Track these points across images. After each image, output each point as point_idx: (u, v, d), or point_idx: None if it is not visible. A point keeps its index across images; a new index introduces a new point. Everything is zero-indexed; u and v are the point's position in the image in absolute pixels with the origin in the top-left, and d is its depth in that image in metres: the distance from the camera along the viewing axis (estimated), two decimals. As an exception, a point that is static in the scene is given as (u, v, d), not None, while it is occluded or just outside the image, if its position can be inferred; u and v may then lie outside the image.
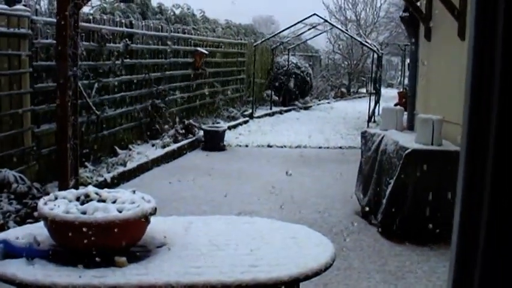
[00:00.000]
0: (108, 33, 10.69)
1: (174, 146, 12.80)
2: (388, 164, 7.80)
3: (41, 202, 3.58)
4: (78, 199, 3.66)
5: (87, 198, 3.64)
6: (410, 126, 9.33)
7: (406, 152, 7.27)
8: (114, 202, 3.63)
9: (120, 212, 3.44)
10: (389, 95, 29.74)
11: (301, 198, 9.58)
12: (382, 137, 8.30)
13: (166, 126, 13.56)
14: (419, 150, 7.32)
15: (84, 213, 3.39)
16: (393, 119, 8.78)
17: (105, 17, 11.13)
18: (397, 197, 7.44)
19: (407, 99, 9.96)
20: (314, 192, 10.08)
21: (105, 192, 3.73)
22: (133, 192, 3.81)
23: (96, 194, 3.69)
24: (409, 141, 7.64)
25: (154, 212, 3.59)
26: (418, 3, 8.95)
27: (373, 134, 8.67)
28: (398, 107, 10.54)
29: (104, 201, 3.63)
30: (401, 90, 21.64)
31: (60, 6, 7.01)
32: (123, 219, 3.37)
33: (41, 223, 3.66)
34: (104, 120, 10.60)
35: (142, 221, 3.50)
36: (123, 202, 3.60)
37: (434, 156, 7.36)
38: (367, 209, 8.40)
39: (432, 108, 8.46)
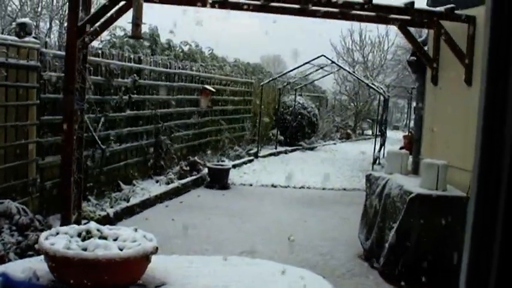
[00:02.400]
0: (117, 68, 10.75)
1: (178, 183, 12.77)
2: (392, 208, 7.76)
3: (42, 236, 3.56)
4: (79, 235, 3.64)
5: (88, 235, 3.62)
6: (415, 170, 9.31)
7: (411, 196, 7.25)
8: (115, 239, 3.61)
9: (121, 250, 3.42)
10: (395, 138, 29.76)
11: (304, 240, 9.52)
12: (387, 181, 8.28)
13: (171, 163, 13.57)
14: (423, 195, 7.29)
15: (85, 249, 3.37)
16: (398, 162, 8.76)
17: (114, 52, 11.21)
18: (400, 242, 7.39)
19: (413, 143, 9.94)
20: (317, 234, 10.02)
21: (106, 229, 3.71)
22: (135, 230, 3.79)
23: (98, 230, 3.67)
24: (414, 185, 7.61)
25: (155, 251, 3.57)
26: (426, 48, 8.99)
27: (378, 178, 8.64)
28: (403, 150, 10.53)
29: (105, 238, 3.61)
30: (407, 133, 21.63)
31: (69, 40, 7.08)
32: (124, 258, 3.35)
33: (42, 257, 3.64)
34: (109, 155, 10.59)
35: (143, 260, 3.47)
36: (125, 240, 3.58)
37: (439, 201, 7.33)
38: (369, 252, 8.35)
39: (437, 152, 8.45)
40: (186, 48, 20.53)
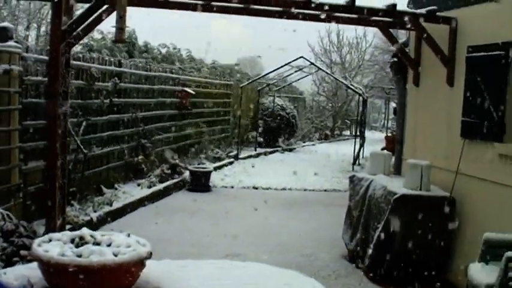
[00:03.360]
0: (98, 71, 10.69)
1: (160, 186, 12.75)
2: (376, 209, 7.82)
3: (35, 243, 3.54)
4: (72, 241, 3.63)
5: (81, 241, 3.60)
6: (398, 171, 9.37)
7: (395, 197, 7.31)
8: (109, 245, 3.60)
9: (116, 255, 3.40)
10: (373, 138, 29.94)
11: (288, 241, 9.56)
12: (371, 182, 8.34)
13: (152, 166, 13.53)
14: (408, 195, 7.36)
15: (79, 256, 3.35)
16: (381, 163, 8.82)
17: (94, 56, 11.16)
18: (385, 242, 7.44)
19: (394, 144, 10.01)
20: (301, 235, 10.06)
21: (100, 235, 3.70)
22: (128, 235, 3.78)
23: (91, 236, 3.65)
24: (398, 186, 7.68)
25: (149, 256, 3.56)
26: (407, 49, 9.05)
27: (361, 179, 8.69)
28: (385, 151, 10.60)
29: (98, 244, 3.60)
30: (388, 134, 21.77)
31: (53, 44, 7.03)
32: (119, 263, 3.34)
33: (32, 264, 3.61)
34: (90, 159, 10.54)
35: (137, 265, 3.46)
36: (118, 245, 3.56)
37: (423, 201, 7.40)
38: (354, 252, 8.40)
39: (420, 153, 8.51)
40: (164, 51, 20.51)
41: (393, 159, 9.51)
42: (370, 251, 7.72)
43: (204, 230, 10.06)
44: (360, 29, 34.93)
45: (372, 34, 36.42)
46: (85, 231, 3.71)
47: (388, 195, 7.50)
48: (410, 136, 9.18)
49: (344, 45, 37.05)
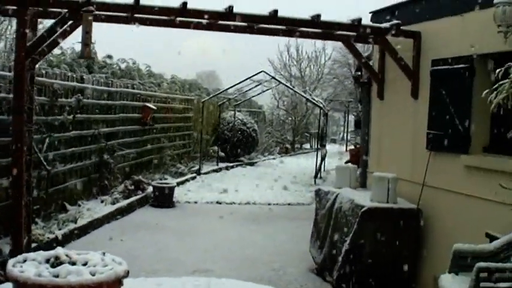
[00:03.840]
0: (60, 87, 10.57)
1: (124, 202, 12.62)
2: (344, 222, 7.85)
3: (9, 264, 3.48)
4: (47, 261, 3.57)
5: (57, 261, 3.56)
6: (363, 184, 9.43)
7: (362, 210, 7.35)
8: (84, 264, 3.56)
9: (93, 275, 3.36)
10: (333, 151, 30.13)
11: (255, 256, 9.54)
12: (337, 195, 8.37)
13: (115, 182, 13.40)
14: (375, 208, 7.41)
15: (56, 276, 3.31)
16: (347, 177, 8.88)
17: (57, 72, 11.02)
18: (353, 255, 7.47)
19: (359, 157, 10.08)
20: (268, 249, 10.05)
21: (75, 254, 3.65)
22: (103, 254, 3.74)
23: (66, 256, 3.61)
24: (364, 199, 7.73)
25: (127, 274, 3.53)
26: (371, 62, 9.13)
27: (328, 192, 8.73)
28: (350, 164, 10.68)
29: (74, 263, 3.55)
30: (351, 147, 21.95)
31: (18, 60, 6.94)
32: (97, 283, 3.31)
33: (5, 285, 3.55)
34: (54, 176, 10.39)
35: (115, 284, 3.43)
36: (95, 265, 3.53)
37: (390, 214, 7.46)
38: (322, 266, 8.42)
39: (385, 165, 8.58)
40: (123, 66, 20.34)
41: (358, 172, 9.57)
42: (338, 264, 7.73)
43: (170, 246, 9.98)
44: (319, 42, 35.26)
45: (331, 47, 36.81)
46: (60, 251, 3.65)
47: (356, 208, 7.54)
48: (375, 149, 9.25)
49: (303, 59, 37.33)
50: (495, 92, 4.71)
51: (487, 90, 5.01)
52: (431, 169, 7.33)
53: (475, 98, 6.68)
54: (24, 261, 3.54)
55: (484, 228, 6.17)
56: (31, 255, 3.64)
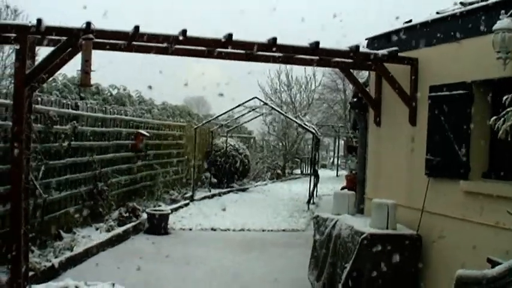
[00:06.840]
0: (56, 115, 10.54)
1: (119, 230, 12.53)
2: (344, 249, 7.83)
3: (19, 296, 3.43)
4: (57, 293, 3.53)
5: (67, 292, 3.52)
6: (361, 210, 9.42)
7: (362, 236, 7.34)
8: (94, 295, 3.52)
9: (104, 305, 3.33)
10: (324, 176, 30.06)
11: (252, 284, 9.49)
12: (336, 221, 8.36)
13: (109, 209, 13.32)
14: (375, 235, 7.40)
15: (67, 308, 3.27)
16: (345, 203, 8.87)
17: (52, 99, 11.00)
18: (354, 281, 7.45)
19: (355, 183, 10.09)
20: (264, 276, 9.99)
21: (84, 285, 3.62)
22: (113, 285, 3.70)
23: (76, 287, 3.57)
24: (364, 225, 7.72)
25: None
26: (367, 89, 9.16)
27: (326, 219, 8.71)
28: (346, 190, 10.67)
29: (84, 294, 3.51)
30: (345, 172, 21.96)
31: (17, 88, 6.92)
32: (109, 314, 3.26)
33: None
34: (49, 203, 10.32)
35: (126, 314, 3.39)
36: (106, 296, 3.49)
37: (390, 240, 7.44)
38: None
39: (382, 192, 8.58)
40: (114, 92, 20.33)
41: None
42: (338, 291, 7.71)
43: (166, 274, 9.89)
44: (309, 68, 35.38)
45: (321, 73, 37.00)
46: (70, 282, 3.63)
47: (356, 234, 7.53)
48: (372, 175, 9.25)
49: (294, 85, 37.45)
50: (502, 119, 4.74)
51: (494, 117, 5.04)
52: (430, 195, 7.35)
53: (474, 123, 6.73)
54: (34, 292, 3.51)
55: (485, 253, 6.16)
56: (40, 286, 3.61)
